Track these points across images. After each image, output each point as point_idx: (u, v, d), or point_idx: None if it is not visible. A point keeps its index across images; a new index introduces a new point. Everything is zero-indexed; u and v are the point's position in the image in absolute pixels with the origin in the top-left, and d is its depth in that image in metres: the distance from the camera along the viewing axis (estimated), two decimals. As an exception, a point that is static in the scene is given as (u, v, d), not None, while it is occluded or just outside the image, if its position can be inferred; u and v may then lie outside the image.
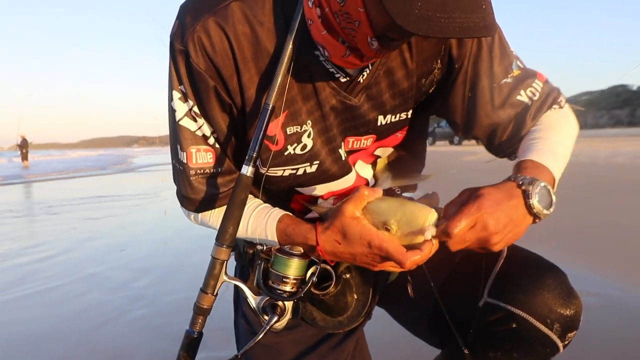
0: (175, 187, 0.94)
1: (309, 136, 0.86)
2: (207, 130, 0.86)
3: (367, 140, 0.93)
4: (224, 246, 0.81)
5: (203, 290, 0.82)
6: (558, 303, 0.75)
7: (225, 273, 0.82)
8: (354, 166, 0.96)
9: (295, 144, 0.86)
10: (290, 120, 0.84)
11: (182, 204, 0.94)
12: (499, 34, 0.89)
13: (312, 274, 0.82)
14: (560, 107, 0.92)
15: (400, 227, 0.74)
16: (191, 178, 0.88)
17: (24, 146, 24.61)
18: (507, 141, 0.92)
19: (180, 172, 0.89)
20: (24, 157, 24.46)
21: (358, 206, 0.77)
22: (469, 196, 0.74)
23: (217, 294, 0.83)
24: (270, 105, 0.77)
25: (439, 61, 0.87)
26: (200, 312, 0.83)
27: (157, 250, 3.89)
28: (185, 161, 0.87)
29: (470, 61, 0.87)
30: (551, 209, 0.76)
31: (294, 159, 0.88)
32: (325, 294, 0.90)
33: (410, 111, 0.91)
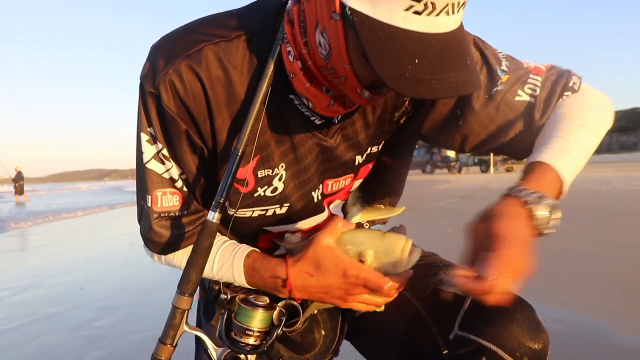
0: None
1: (280, 179, 0.84)
2: (175, 173, 0.83)
3: (345, 181, 0.92)
4: (186, 295, 0.77)
5: (162, 341, 0.77)
6: (527, 337, 0.74)
7: (186, 323, 0.78)
8: (328, 206, 0.95)
9: (266, 187, 0.84)
10: (261, 164, 0.83)
11: (146, 244, 0.90)
12: (481, 43, 0.87)
13: (277, 326, 0.79)
14: (575, 92, 0.85)
15: (377, 257, 0.74)
16: (154, 221, 0.85)
17: (18, 180, 23.24)
18: (521, 144, 0.87)
19: (144, 212, 0.86)
20: (18, 191, 23.02)
21: (333, 236, 0.77)
22: (488, 241, 0.67)
23: (176, 344, 0.78)
24: (240, 151, 0.75)
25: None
26: (158, 364, 0.77)
27: (121, 287, 3.75)
28: (150, 204, 0.84)
29: None
30: (555, 223, 0.72)
31: (264, 201, 0.86)
32: (291, 330, 0.87)
33: (382, 143, 0.92)
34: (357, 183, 0.98)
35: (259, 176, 0.83)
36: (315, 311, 0.93)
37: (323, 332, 0.93)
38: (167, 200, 0.84)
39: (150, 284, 3.70)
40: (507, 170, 28.20)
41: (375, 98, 0.72)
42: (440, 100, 0.87)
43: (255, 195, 0.84)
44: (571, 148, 0.77)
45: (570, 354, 1.99)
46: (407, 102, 0.89)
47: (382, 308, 0.82)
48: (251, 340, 0.78)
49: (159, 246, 0.87)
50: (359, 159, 0.89)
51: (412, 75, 0.59)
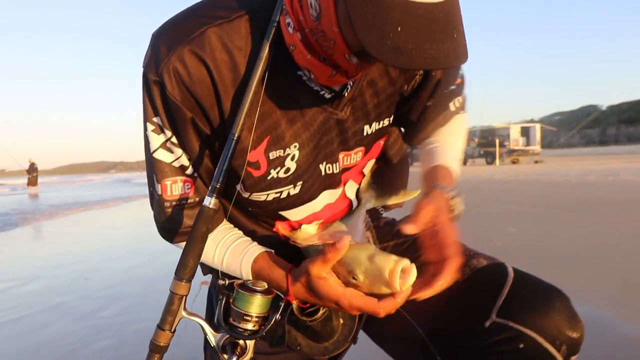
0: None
1: (292, 159, 0.84)
2: (185, 160, 0.83)
3: (357, 155, 0.92)
4: (184, 281, 0.77)
5: (160, 327, 0.77)
6: (566, 325, 0.75)
7: (184, 308, 0.78)
8: (344, 185, 0.95)
9: (279, 168, 0.84)
10: (272, 145, 0.82)
11: (160, 232, 0.91)
12: None
13: (276, 311, 0.79)
14: (464, 112, 1.02)
15: (367, 277, 0.72)
16: (167, 210, 0.85)
17: (32, 171, 23.61)
18: (421, 134, 0.99)
19: (156, 201, 0.87)
20: (31, 182, 23.48)
21: (324, 268, 0.74)
22: (437, 235, 0.75)
23: (174, 330, 0.78)
24: (235, 135, 0.74)
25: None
26: (157, 350, 0.77)
27: (126, 278, 3.78)
28: (160, 193, 0.84)
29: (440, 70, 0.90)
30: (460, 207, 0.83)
31: (278, 183, 0.85)
32: (312, 320, 0.86)
33: (392, 116, 0.93)
34: (369, 164, 0.98)
35: (271, 158, 0.83)
36: None
37: (341, 320, 0.92)
38: (178, 189, 0.84)
39: (155, 275, 3.72)
40: (513, 162, 28.08)
41: (364, 65, 0.70)
42: (433, 78, 0.90)
43: (269, 178, 0.84)
44: (459, 158, 0.96)
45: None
46: (417, 77, 0.89)
47: None
48: (250, 326, 0.78)
49: (172, 234, 0.87)
50: (367, 128, 0.89)
51: (394, 43, 0.58)
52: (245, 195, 0.86)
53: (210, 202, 0.76)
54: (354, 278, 0.73)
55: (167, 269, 3.65)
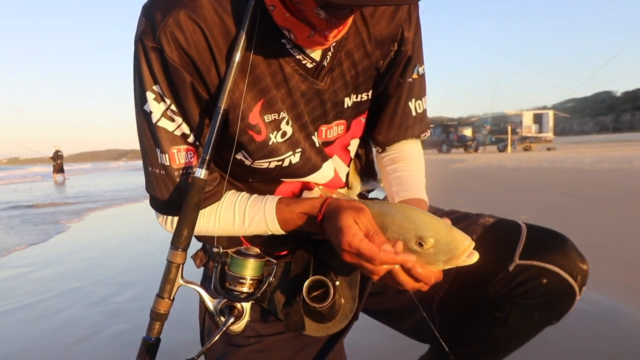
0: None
1: (287, 123, 0.86)
2: (186, 128, 0.84)
3: (338, 127, 0.94)
4: (180, 249, 0.79)
5: (159, 295, 0.80)
6: (578, 259, 0.87)
7: (182, 277, 0.81)
8: (331, 157, 0.97)
9: (276, 132, 0.86)
10: (266, 108, 0.84)
11: (165, 211, 0.90)
12: (418, 41, 0.95)
13: (269, 275, 0.82)
14: (423, 139, 1.09)
15: (436, 246, 0.74)
16: (177, 179, 0.85)
17: (57, 158, 23.27)
18: (387, 139, 1.03)
19: (162, 176, 0.86)
20: (56, 169, 23.14)
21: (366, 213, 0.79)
22: None
23: (173, 298, 0.81)
24: (222, 109, 0.77)
25: (395, 44, 0.91)
26: (157, 317, 0.81)
27: (139, 264, 3.84)
28: (168, 163, 0.84)
29: (412, 46, 0.93)
30: None
31: (278, 149, 0.87)
32: (323, 306, 0.90)
33: (371, 91, 0.95)
34: (353, 143, 1.00)
35: (267, 121, 0.85)
36: (337, 282, 0.95)
37: (343, 300, 0.96)
38: (184, 157, 0.84)
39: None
40: (525, 150, 27.79)
41: (333, 20, 0.72)
42: (405, 58, 0.94)
43: (270, 143, 0.86)
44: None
45: (590, 331, 1.96)
46: (392, 53, 0.92)
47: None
48: (245, 289, 0.81)
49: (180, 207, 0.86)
50: (347, 100, 0.91)
51: None
52: (248, 163, 0.88)
53: (201, 173, 0.78)
54: (419, 244, 0.74)
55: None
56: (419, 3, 0.88)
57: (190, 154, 0.84)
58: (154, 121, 0.82)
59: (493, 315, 0.91)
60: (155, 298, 0.81)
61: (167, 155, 0.83)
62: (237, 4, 0.78)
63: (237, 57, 0.76)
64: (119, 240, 5.08)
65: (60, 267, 3.88)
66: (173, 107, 0.81)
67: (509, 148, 27.79)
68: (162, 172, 0.85)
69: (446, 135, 29.95)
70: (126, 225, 6.49)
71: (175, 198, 0.86)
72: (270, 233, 0.88)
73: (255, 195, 0.91)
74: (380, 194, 1.15)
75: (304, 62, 0.83)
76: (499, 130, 30.20)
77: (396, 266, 0.75)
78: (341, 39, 0.85)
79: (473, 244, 0.74)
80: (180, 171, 0.84)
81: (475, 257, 0.74)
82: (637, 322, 2.07)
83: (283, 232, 0.88)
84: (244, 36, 0.76)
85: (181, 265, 0.80)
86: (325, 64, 0.85)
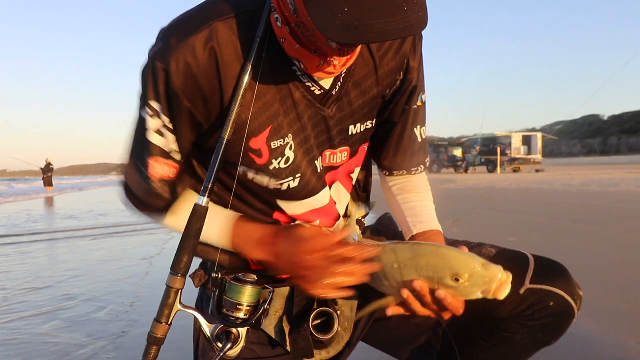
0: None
1: (290, 149, 0.89)
2: (174, 146, 0.87)
3: (342, 154, 0.97)
4: (179, 275, 0.81)
5: (157, 320, 0.81)
6: (577, 285, 0.94)
7: (180, 302, 0.82)
8: (331, 186, 1.00)
9: (280, 158, 0.89)
10: (274, 134, 0.87)
11: (130, 199, 0.94)
12: (422, 69, 0.99)
13: (265, 302, 0.84)
14: (423, 171, 1.12)
15: (472, 280, 0.79)
16: (147, 183, 0.89)
17: (47, 171, 23.29)
18: (393, 164, 1.07)
19: (137, 172, 0.90)
20: (47, 182, 23.20)
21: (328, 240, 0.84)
22: None
23: (171, 323, 0.82)
24: (225, 140, 0.80)
25: (401, 73, 0.95)
26: (155, 342, 0.81)
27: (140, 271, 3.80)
28: (146, 170, 0.88)
29: (417, 75, 0.98)
30: None
31: (280, 174, 0.90)
32: (327, 337, 0.93)
33: (375, 120, 0.99)
34: (357, 171, 1.04)
35: (273, 147, 0.88)
36: (339, 312, 0.97)
37: (340, 329, 0.98)
38: (163, 170, 0.88)
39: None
40: (514, 171, 28.09)
41: (345, 49, 0.76)
42: (410, 86, 0.98)
43: (271, 168, 0.89)
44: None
45: (573, 356, 1.97)
46: (398, 82, 0.95)
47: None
48: (241, 315, 0.83)
49: (143, 205, 0.93)
50: (352, 128, 0.95)
51: (342, 22, 0.63)
52: (250, 176, 0.91)
53: (203, 201, 0.81)
54: (455, 279, 0.79)
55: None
56: (422, 34, 0.95)
57: (173, 170, 0.89)
58: (146, 129, 0.86)
59: (500, 335, 0.97)
60: (153, 323, 0.81)
61: (147, 162, 0.87)
62: (250, 32, 0.81)
63: (243, 87, 0.80)
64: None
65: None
66: (168, 125, 0.85)
67: (499, 169, 28.08)
68: (140, 168, 0.89)
69: (437, 155, 30.22)
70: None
71: (138, 193, 0.91)
72: (217, 240, 0.92)
73: (212, 205, 0.93)
74: (371, 219, 1.17)
75: (312, 89, 0.87)
76: (488, 151, 30.51)
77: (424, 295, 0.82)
78: (350, 69, 0.89)
79: (509, 276, 0.79)
80: (155, 179, 0.88)
81: (508, 288, 0.79)
82: (621, 347, 2.07)
83: (228, 243, 0.92)
84: (250, 67, 0.79)
85: (180, 290, 0.82)
86: (334, 93, 0.89)
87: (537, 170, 26.93)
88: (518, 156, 29.96)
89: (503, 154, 29.14)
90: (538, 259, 0.97)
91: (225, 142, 0.80)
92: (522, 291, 0.93)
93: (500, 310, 0.94)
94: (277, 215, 0.98)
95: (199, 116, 0.84)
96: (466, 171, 29.16)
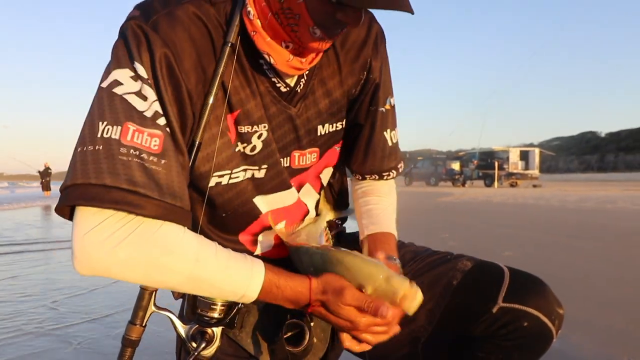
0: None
1: (259, 137, 0.87)
2: (158, 107, 0.72)
3: (311, 155, 0.96)
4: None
5: (131, 322, 0.80)
6: (555, 304, 0.89)
7: (154, 304, 0.81)
8: (300, 188, 0.98)
9: (245, 144, 0.87)
10: (243, 118, 0.85)
11: (82, 193, 0.67)
12: (388, 70, 1.01)
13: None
14: (395, 176, 1.11)
15: (376, 293, 0.77)
16: (117, 157, 0.67)
17: (45, 175, 23.12)
18: (363, 167, 1.06)
19: (94, 153, 0.67)
20: (45, 187, 23.04)
21: (358, 300, 0.78)
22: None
23: (145, 325, 0.81)
24: (197, 143, 0.79)
25: (364, 72, 0.96)
26: (129, 344, 0.80)
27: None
28: (116, 137, 0.68)
29: (379, 74, 0.98)
30: None
31: (244, 159, 0.87)
32: (297, 350, 0.89)
33: (344, 120, 0.99)
34: (326, 172, 1.02)
35: (240, 131, 0.86)
36: (312, 324, 0.93)
37: (315, 340, 0.96)
38: (142, 139, 0.70)
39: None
40: (512, 186, 28.17)
41: (325, 39, 0.76)
42: (372, 86, 0.98)
43: (236, 150, 0.86)
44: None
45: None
46: (362, 81, 0.96)
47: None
48: (215, 314, 0.82)
49: (107, 192, 0.67)
50: (320, 128, 0.94)
51: None
52: (217, 174, 0.85)
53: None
54: (360, 290, 0.77)
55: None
56: (385, 37, 0.99)
57: (155, 140, 0.70)
58: (118, 93, 0.70)
59: (476, 355, 0.91)
60: (127, 325, 0.80)
61: (118, 127, 0.68)
62: (223, 21, 0.80)
63: (216, 86, 0.79)
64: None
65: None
66: (149, 91, 0.72)
67: (496, 183, 28.14)
68: (98, 147, 0.68)
69: (434, 168, 30.31)
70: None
71: (100, 177, 0.66)
72: (239, 294, 0.77)
73: (235, 252, 0.81)
74: (353, 223, 1.15)
75: (278, 85, 0.86)
76: (486, 165, 30.60)
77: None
78: (314, 67, 0.89)
79: (415, 288, 0.76)
80: (129, 149, 0.68)
81: (415, 301, 0.76)
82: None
83: (253, 296, 0.78)
84: (222, 64, 0.79)
85: (154, 292, 0.80)
86: (299, 90, 0.89)
87: (535, 186, 26.98)
88: (515, 171, 30.04)
89: (500, 168, 29.23)
90: (514, 273, 0.93)
91: (197, 144, 0.79)
92: (494, 309, 0.88)
93: (475, 328, 0.90)
94: (243, 235, 0.95)
95: (187, 90, 0.76)
96: (463, 185, 29.22)
